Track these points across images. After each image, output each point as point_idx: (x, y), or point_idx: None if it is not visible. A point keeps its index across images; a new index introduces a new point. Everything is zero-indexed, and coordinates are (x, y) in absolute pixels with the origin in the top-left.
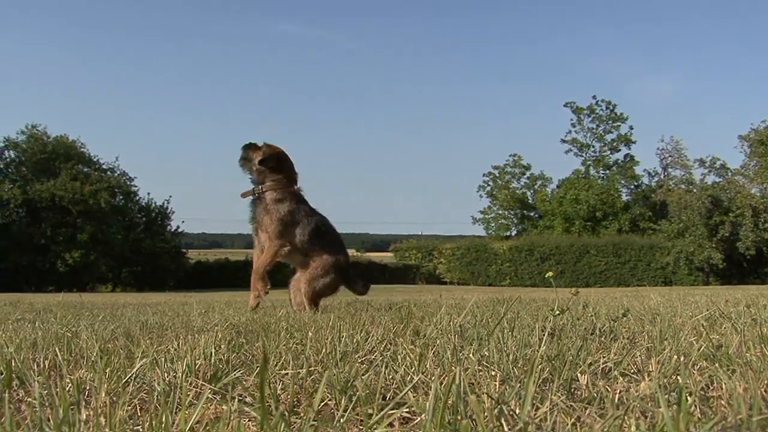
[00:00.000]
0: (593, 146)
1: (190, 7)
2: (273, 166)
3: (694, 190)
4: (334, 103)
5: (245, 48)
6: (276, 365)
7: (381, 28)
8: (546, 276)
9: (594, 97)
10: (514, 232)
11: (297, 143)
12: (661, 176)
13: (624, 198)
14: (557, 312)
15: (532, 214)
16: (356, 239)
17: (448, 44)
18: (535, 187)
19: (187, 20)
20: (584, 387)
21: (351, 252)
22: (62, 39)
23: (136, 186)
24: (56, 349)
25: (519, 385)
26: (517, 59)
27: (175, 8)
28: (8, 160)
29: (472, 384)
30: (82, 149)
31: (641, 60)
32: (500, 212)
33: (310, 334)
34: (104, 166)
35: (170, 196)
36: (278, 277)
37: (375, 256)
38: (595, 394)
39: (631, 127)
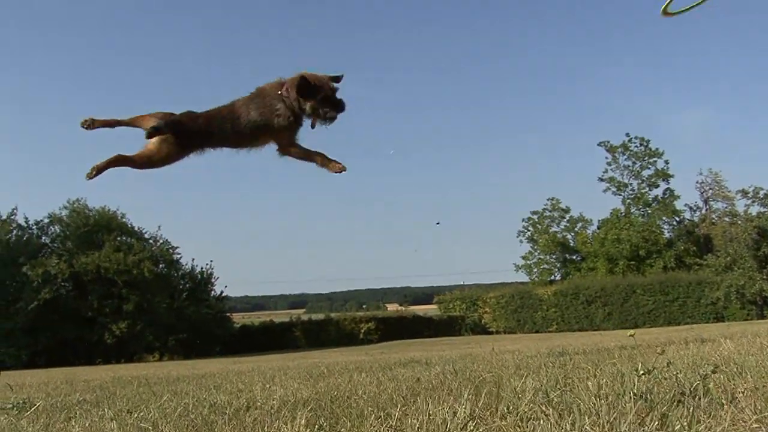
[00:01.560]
0: (631, 184)
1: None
2: None
3: (739, 222)
4: (365, 153)
5: None
6: None
7: (408, 75)
8: (629, 335)
9: (627, 134)
10: (557, 277)
11: (329, 198)
12: (703, 210)
13: (666, 234)
14: (641, 372)
15: (574, 257)
16: (398, 293)
17: (477, 91)
18: (576, 229)
19: (221, 91)
20: None
21: (393, 306)
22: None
23: (178, 254)
24: None
25: None
26: (545, 103)
27: (201, 82)
28: (54, 235)
29: None
30: (123, 220)
31: (671, 95)
32: (542, 257)
33: (395, 413)
34: (146, 236)
35: (212, 261)
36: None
37: (419, 309)
38: None
39: (666, 162)
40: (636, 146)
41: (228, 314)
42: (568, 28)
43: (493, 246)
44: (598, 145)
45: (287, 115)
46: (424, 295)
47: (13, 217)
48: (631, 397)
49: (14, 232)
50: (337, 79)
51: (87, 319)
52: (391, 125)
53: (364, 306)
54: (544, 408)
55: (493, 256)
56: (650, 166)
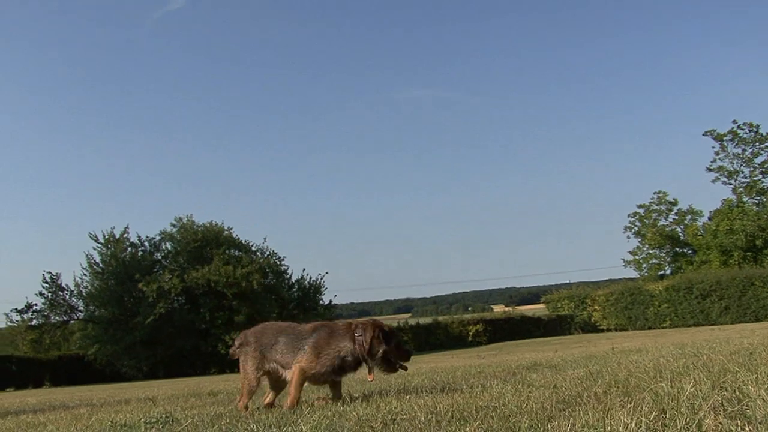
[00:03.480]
0: (742, 172)
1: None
2: None
3: None
4: (463, 158)
5: (366, 114)
6: None
7: (501, 78)
8: None
9: (734, 121)
10: (668, 271)
11: (433, 205)
12: None
13: None
14: None
15: (685, 250)
16: (503, 294)
17: (575, 85)
18: (685, 222)
19: (323, 99)
20: None
21: (500, 308)
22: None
23: (285, 265)
24: None
25: None
26: (646, 92)
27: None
28: (165, 251)
29: None
30: (230, 234)
31: None
32: (651, 252)
33: (562, 425)
34: (253, 248)
35: (326, 272)
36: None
37: (526, 309)
38: None
39: None
40: (745, 132)
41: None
42: (667, 21)
43: (597, 243)
44: (704, 134)
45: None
46: (530, 295)
47: (125, 235)
48: None
49: (128, 249)
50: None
51: (201, 331)
52: (483, 127)
53: (469, 308)
54: (726, 421)
55: (597, 253)
56: (763, 152)
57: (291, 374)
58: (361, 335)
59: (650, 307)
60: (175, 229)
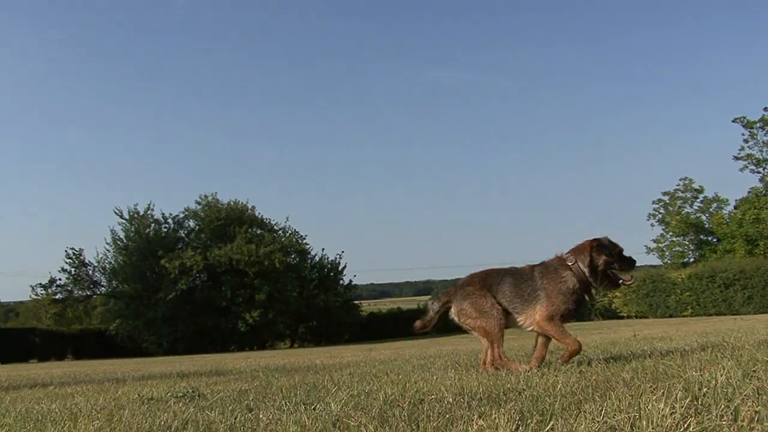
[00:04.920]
0: None
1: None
2: None
3: None
4: (491, 140)
5: (397, 96)
6: None
7: (531, 61)
8: None
9: (766, 108)
10: (691, 260)
11: (452, 187)
12: None
13: None
14: None
15: (709, 238)
16: None
17: (604, 71)
18: (711, 210)
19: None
20: None
21: None
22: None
23: (307, 243)
24: None
25: None
26: (675, 79)
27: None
28: (189, 229)
29: None
30: (253, 213)
31: None
32: (674, 239)
33: (592, 408)
34: (276, 227)
35: (343, 252)
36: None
37: None
38: None
39: None
40: None
41: (356, 302)
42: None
43: (620, 228)
44: (733, 121)
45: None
46: None
47: (150, 212)
48: None
49: (152, 226)
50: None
51: (221, 308)
52: (509, 110)
53: None
54: (763, 409)
55: (620, 239)
56: None
57: (530, 322)
58: (574, 262)
59: (672, 295)
60: (199, 207)
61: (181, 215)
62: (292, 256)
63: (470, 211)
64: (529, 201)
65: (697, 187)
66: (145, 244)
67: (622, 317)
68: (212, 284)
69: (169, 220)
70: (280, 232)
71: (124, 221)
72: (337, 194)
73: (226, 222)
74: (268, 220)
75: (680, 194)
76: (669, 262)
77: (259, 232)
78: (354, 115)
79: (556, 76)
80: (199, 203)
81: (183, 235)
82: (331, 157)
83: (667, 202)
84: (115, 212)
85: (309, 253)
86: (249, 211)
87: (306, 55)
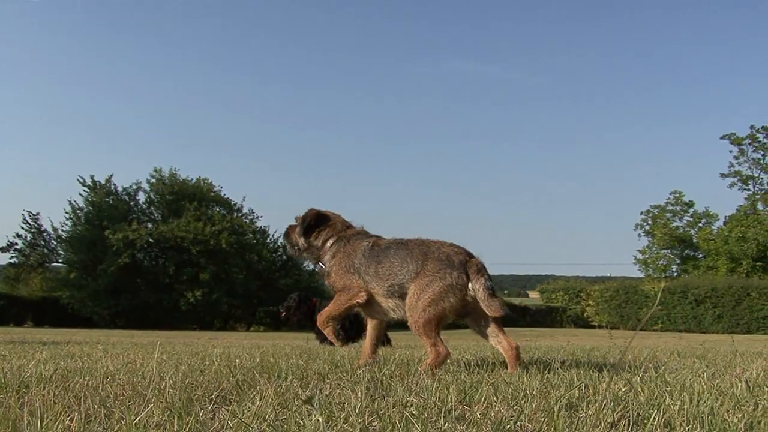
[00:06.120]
0: (760, 178)
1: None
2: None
3: None
4: (486, 135)
5: (413, 87)
6: None
7: (552, 63)
8: None
9: (752, 126)
10: (675, 273)
11: (447, 182)
12: None
13: None
14: None
15: (695, 253)
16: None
17: (600, 82)
18: (700, 225)
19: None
20: None
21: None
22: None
23: (266, 225)
24: None
25: None
26: (668, 96)
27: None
28: (141, 202)
29: None
30: (210, 190)
31: None
32: (660, 252)
33: None
34: (236, 207)
35: None
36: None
37: (513, 298)
38: None
39: None
40: (764, 137)
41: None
42: (689, 24)
43: (600, 239)
44: (721, 138)
45: None
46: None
47: (109, 183)
48: None
49: (109, 198)
50: None
51: (164, 285)
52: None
53: None
54: None
55: (600, 249)
56: None
57: None
58: None
59: (644, 308)
60: (153, 181)
61: (134, 187)
62: (249, 236)
63: (461, 206)
64: (528, 201)
65: (688, 201)
66: (95, 214)
67: (593, 326)
68: (158, 260)
69: (121, 193)
70: (236, 212)
71: (86, 189)
72: (331, 186)
73: (178, 197)
74: (231, 200)
75: (671, 207)
76: (652, 273)
77: (217, 210)
78: (350, 108)
79: (556, 76)
80: (153, 177)
81: (134, 208)
82: (340, 150)
83: (656, 214)
84: (78, 180)
85: (267, 234)
86: (206, 188)
87: (316, 47)
